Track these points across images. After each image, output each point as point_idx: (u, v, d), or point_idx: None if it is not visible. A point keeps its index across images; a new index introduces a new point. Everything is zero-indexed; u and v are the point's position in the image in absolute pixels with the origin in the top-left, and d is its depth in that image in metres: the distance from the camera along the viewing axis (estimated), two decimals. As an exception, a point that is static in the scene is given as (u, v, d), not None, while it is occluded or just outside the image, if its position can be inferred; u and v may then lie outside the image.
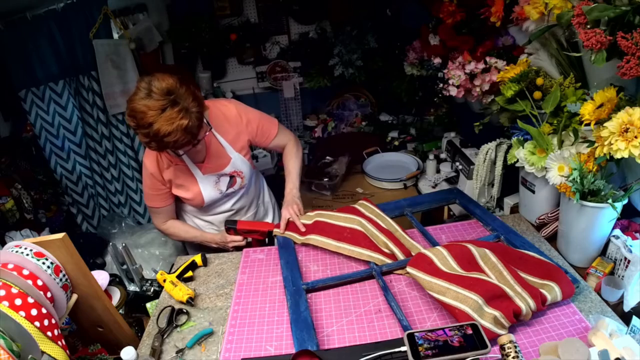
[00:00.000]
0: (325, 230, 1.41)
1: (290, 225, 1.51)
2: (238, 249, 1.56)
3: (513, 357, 0.83)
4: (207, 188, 1.51)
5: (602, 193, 1.13)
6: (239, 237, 1.55)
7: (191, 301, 1.25)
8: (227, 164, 1.51)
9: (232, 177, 1.54)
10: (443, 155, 2.42)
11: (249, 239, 1.57)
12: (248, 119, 1.55)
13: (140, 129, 1.21)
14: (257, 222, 1.59)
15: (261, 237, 1.56)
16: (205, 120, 1.33)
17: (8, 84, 2.29)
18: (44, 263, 0.97)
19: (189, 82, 1.26)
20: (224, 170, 1.51)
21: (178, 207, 1.67)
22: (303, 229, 1.46)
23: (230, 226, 1.55)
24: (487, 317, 0.98)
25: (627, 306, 1.04)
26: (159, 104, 1.18)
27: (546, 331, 1.01)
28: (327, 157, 2.62)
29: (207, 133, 1.36)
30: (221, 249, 1.61)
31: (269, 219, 1.82)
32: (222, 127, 1.50)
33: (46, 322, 0.89)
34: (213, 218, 1.66)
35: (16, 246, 0.98)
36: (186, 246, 1.87)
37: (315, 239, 1.41)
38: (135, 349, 1.01)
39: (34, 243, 0.98)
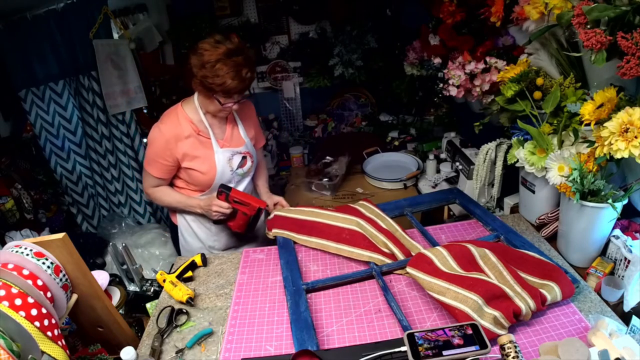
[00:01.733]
0: (324, 232, 1.41)
1: (287, 224, 1.51)
2: (219, 221, 1.61)
3: (513, 357, 0.83)
4: (221, 162, 1.59)
5: (602, 193, 1.13)
6: (226, 204, 1.53)
7: (191, 301, 1.25)
8: (242, 145, 1.65)
9: (244, 157, 1.66)
10: (443, 155, 2.42)
11: (234, 210, 1.56)
12: (255, 120, 1.76)
13: (205, 64, 1.38)
14: (250, 195, 1.60)
15: (249, 213, 1.55)
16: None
17: (8, 84, 2.29)
18: (44, 263, 0.97)
19: None
20: (239, 148, 1.64)
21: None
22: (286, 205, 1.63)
23: (224, 190, 1.53)
24: (487, 317, 0.98)
25: (627, 306, 1.04)
26: (228, 46, 1.38)
27: (546, 331, 1.01)
28: (327, 157, 2.62)
29: (245, 100, 1.54)
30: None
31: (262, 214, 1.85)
32: (242, 115, 1.68)
33: (46, 322, 0.89)
34: None
35: (16, 246, 0.98)
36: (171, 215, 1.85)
37: (314, 241, 1.41)
38: (135, 349, 1.01)
39: (34, 243, 0.98)
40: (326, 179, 2.42)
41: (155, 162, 1.56)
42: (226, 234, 1.73)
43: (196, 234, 1.73)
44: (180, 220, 1.73)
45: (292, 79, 3.17)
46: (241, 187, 1.69)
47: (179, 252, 1.85)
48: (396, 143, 2.81)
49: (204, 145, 1.57)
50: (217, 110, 1.51)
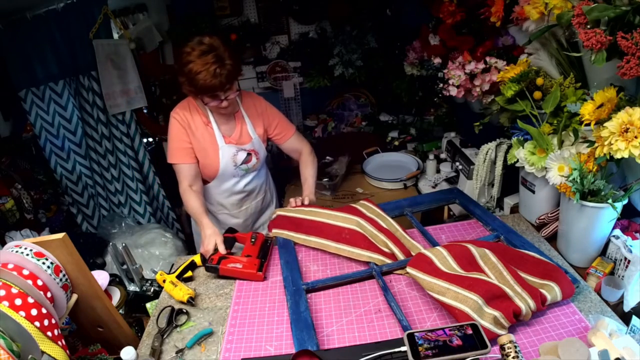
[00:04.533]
0: (324, 232, 1.41)
1: (287, 224, 1.51)
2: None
3: (513, 357, 0.83)
4: (225, 156, 1.64)
5: (602, 193, 1.13)
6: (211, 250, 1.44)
7: (192, 301, 1.25)
8: (248, 142, 1.68)
9: (249, 154, 1.69)
10: (443, 155, 2.42)
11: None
12: (271, 114, 1.75)
13: (181, 67, 1.44)
14: (241, 272, 1.33)
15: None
16: (237, 84, 1.54)
17: (8, 84, 2.29)
18: (44, 263, 0.97)
19: (236, 51, 1.47)
20: (245, 146, 1.68)
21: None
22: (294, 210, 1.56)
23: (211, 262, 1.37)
24: (487, 317, 0.98)
25: (627, 306, 1.04)
26: (201, 48, 1.42)
27: (546, 331, 1.01)
28: (327, 157, 2.62)
29: (235, 95, 1.53)
30: None
31: (272, 206, 1.94)
32: (251, 112, 1.70)
33: (46, 322, 0.89)
34: (227, 200, 1.78)
35: (16, 246, 0.98)
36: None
37: (314, 240, 1.41)
38: (135, 349, 1.01)
39: (34, 243, 0.98)
40: (326, 179, 2.42)
41: (176, 148, 1.61)
42: (230, 225, 1.77)
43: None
44: None
45: (292, 79, 3.16)
46: (245, 181, 1.74)
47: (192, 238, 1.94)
48: (396, 143, 2.81)
49: (211, 139, 1.63)
50: (214, 107, 1.55)
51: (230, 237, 1.47)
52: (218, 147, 1.63)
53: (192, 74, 1.41)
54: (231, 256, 1.37)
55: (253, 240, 1.43)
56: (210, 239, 1.45)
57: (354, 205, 1.55)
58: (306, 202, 1.63)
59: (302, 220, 1.49)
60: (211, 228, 1.49)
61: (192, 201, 1.61)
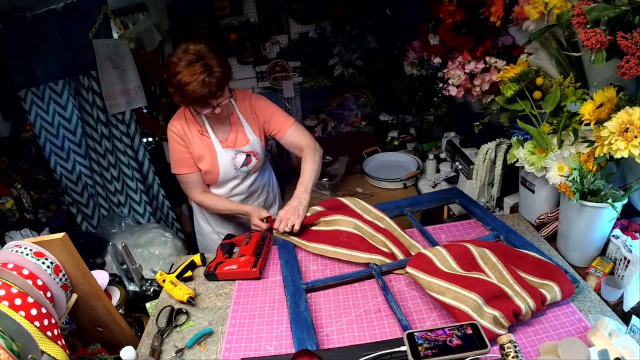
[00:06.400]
0: (321, 237, 1.41)
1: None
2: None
3: (513, 357, 0.83)
4: (224, 161, 1.63)
5: (602, 193, 1.13)
6: (265, 225, 1.54)
7: (192, 301, 1.25)
8: (247, 144, 1.66)
9: (248, 155, 1.67)
10: (443, 155, 2.42)
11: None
12: (263, 109, 1.69)
13: (170, 79, 1.41)
14: (237, 272, 1.34)
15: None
16: (228, 90, 1.50)
17: (8, 84, 2.29)
18: (44, 263, 0.97)
19: (223, 55, 1.46)
20: (243, 148, 1.65)
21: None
22: (286, 229, 1.46)
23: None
24: (487, 317, 0.98)
25: (627, 306, 1.04)
26: (188, 58, 1.38)
27: (546, 331, 1.01)
28: (327, 157, 2.62)
29: (227, 101, 1.50)
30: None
31: (276, 207, 1.92)
32: (246, 114, 1.67)
33: (46, 322, 0.89)
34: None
35: (16, 246, 0.98)
36: (212, 224, 1.84)
37: (313, 246, 1.40)
38: (135, 349, 1.01)
39: (34, 243, 0.98)
40: (326, 179, 2.42)
41: (180, 160, 1.62)
42: (233, 223, 1.79)
43: (207, 219, 1.82)
44: (194, 204, 1.81)
45: (292, 79, 3.16)
46: (248, 183, 1.73)
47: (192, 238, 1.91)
48: (396, 143, 2.81)
49: (208, 146, 1.62)
50: (208, 115, 1.52)
51: (228, 243, 1.49)
52: (216, 153, 1.62)
53: (181, 85, 1.38)
54: (227, 260, 1.39)
55: (247, 240, 1.45)
56: (255, 214, 1.55)
57: (347, 204, 1.53)
58: (291, 226, 1.44)
59: (303, 231, 1.49)
60: (252, 207, 1.61)
61: (218, 202, 1.67)
